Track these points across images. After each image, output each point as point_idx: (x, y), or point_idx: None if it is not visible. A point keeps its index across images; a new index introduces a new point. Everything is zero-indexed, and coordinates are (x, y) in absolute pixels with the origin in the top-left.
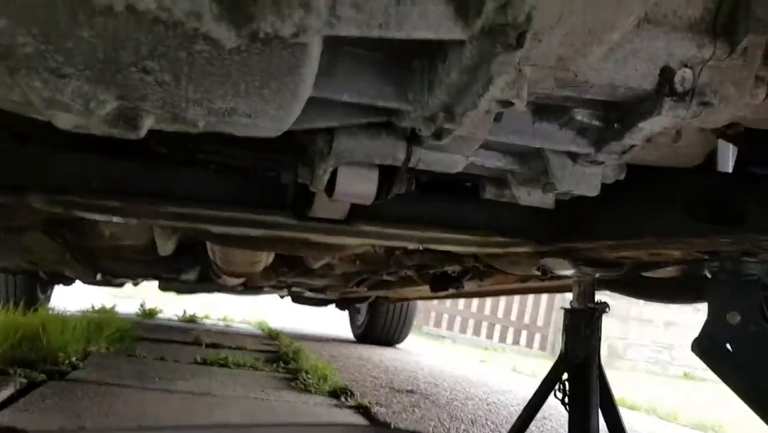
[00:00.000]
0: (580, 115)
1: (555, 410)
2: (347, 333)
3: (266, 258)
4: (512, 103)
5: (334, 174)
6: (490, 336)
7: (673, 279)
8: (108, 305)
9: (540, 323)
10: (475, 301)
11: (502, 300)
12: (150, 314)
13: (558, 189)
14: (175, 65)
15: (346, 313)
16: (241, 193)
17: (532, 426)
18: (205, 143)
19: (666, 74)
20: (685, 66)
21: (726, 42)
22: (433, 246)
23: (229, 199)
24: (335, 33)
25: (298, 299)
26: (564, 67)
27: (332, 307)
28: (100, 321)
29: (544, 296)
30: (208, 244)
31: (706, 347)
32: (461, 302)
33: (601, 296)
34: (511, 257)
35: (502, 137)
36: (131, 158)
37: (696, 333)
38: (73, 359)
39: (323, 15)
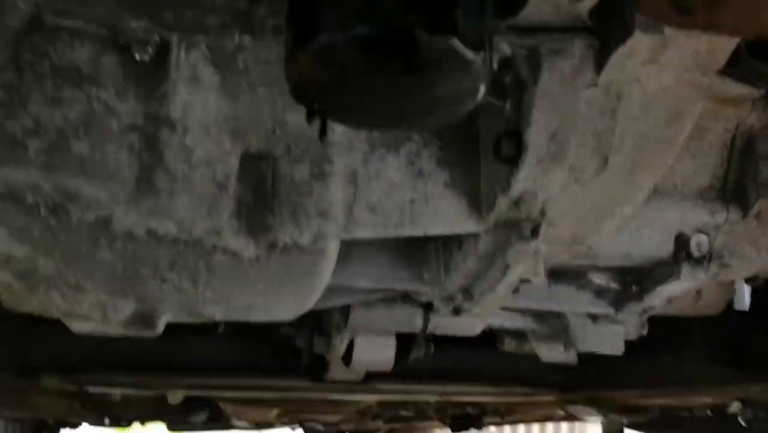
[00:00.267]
0: (597, 279)
1: None
2: None
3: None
4: (529, 281)
5: (351, 343)
6: None
7: (710, 417)
8: None
9: None
10: None
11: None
12: None
13: (579, 349)
14: (194, 274)
15: None
16: (253, 358)
17: None
18: None
19: (681, 241)
20: (700, 231)
21: (738, 207)
22: (453, 399)
23: (239, 365)
24: (352, 237)
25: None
26: (578, 242)
27: None
28: None
29: None
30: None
31: None
32: None
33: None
34: (533, 403)
35: (518, 303)
36: None
37: None
38: None
39: (341, 221)
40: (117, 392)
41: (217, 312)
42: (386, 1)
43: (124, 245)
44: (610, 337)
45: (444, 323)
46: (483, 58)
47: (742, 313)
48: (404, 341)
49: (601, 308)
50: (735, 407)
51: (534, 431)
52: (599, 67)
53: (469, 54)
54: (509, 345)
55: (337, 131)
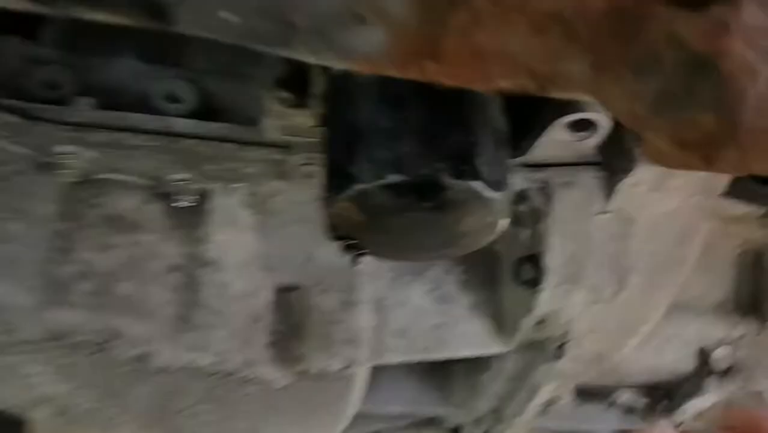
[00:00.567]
0: (625, 396)
1: None
2: None
3: None
4: (558, 401)
5: None
6: None
7: None
8: None
9: None
10: None
11: None
12: None
13: None
14: (226, 405)
15: None
16: None
17: None
18: None
19: (703, 355)
20: (721, 344)
21: (755, 319)
22: None
23: None
24: (381, 362)
25: None
26: (603, 360)
27: None
28: None
29: None
30: None
31: None
32: None
33: None
34: None
35: (547, 424)
36: None
37: None
38: None
39: (369, 348)
40: None
41: None
42: (415, 152)
43: (160, 379)
44: None
45: None
46: (502, 196)
47: None
48: None
49: (631, 423)
50: None
51: None
52: (608, 195)
53: (490, 192)
54: None
55: (364, 261)
